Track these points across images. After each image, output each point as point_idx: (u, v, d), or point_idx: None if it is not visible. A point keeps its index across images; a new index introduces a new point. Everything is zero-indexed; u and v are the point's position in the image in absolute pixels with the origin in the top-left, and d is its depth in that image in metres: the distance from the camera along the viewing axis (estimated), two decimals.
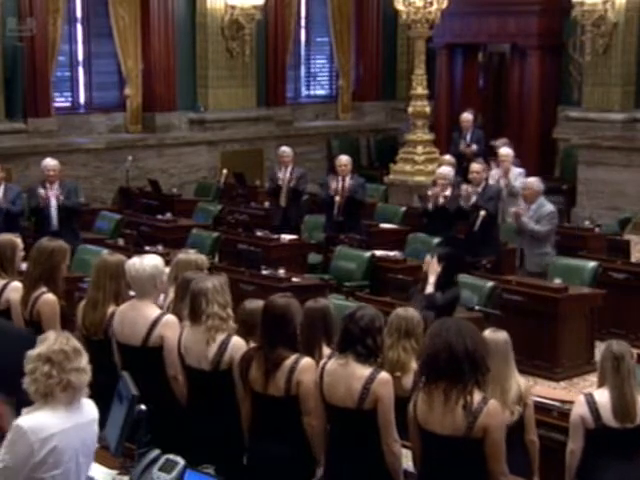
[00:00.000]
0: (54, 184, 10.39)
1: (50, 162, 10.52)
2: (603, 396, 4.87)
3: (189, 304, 5.21)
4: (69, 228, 10.31)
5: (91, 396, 5.35)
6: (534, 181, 9.64)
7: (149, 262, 5.37)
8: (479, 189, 10.16)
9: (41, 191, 10.30)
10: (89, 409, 3.90)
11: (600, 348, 6.13)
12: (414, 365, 5.02)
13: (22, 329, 5.56)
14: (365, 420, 4.53)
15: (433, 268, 7.24)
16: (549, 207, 9.42)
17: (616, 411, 4.83)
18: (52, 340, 3.74)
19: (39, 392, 3.68)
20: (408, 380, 5.06)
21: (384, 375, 4.58)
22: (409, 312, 5.42)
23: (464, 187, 10.22)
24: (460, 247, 9.95)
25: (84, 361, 3.78)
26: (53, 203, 10.31)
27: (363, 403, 4.51)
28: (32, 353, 3.72)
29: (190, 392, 5.25)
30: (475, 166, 10.34)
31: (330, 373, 4.63)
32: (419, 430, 4.32)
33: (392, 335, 5.18)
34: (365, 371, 4.54)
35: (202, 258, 6.18)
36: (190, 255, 6.33)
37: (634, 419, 4.85)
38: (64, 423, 3.70)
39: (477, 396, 4.17)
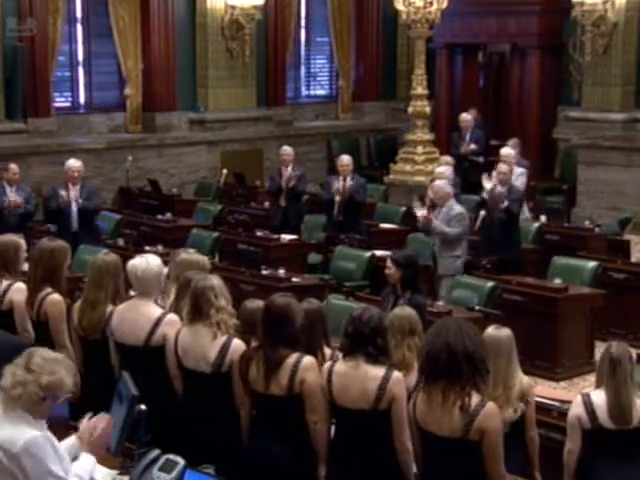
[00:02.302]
0: (76, 185, 10.26)
1: (75, 163, 10.38)
2: (600, 397, 4.86)
3: (191, 303, 5.17)
4: (90, 229, 10.29)
5: (86, 396, 5.38)
6: (442, 185, 9.50)
7: (154, 261, 5.39)
8: (504, 190, 9.90)
9: (62, 192, 10.14)
10: None
11: (600, 348, 6.13)
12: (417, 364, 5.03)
13: (22, 341, 5.51)
14: (379, 420, 4.54)
15: (391, 273, 7.02)
16: (458, 209, 9.26)
17: (612, 413, 4.82)
18: None
19: None
20: (412, 379, 5.05)
21: (398, 374, 4.59)
22: (406, 311, 5.46)
23: (498, 189, 9.79)
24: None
25: None
26: (74, 204, 10.15)
27: (379, 403, 4.52)
28: None
29: (188, 394, 5.21)
30: (502, 167, 9.95)
31: (340, 375, 4.62)
32: (418, 430, 4.33)
33: (395, 336, 5.18)
34: (379, 371, 4.55)
35: (205, 259, 6.18)
36: (192, 255, 6.33)
37: (630, 422, 4.83)
38: None
39: (475, 398, 4.18)
